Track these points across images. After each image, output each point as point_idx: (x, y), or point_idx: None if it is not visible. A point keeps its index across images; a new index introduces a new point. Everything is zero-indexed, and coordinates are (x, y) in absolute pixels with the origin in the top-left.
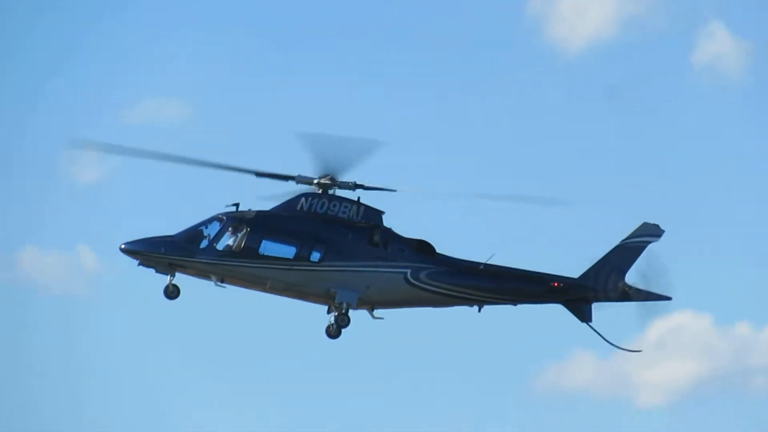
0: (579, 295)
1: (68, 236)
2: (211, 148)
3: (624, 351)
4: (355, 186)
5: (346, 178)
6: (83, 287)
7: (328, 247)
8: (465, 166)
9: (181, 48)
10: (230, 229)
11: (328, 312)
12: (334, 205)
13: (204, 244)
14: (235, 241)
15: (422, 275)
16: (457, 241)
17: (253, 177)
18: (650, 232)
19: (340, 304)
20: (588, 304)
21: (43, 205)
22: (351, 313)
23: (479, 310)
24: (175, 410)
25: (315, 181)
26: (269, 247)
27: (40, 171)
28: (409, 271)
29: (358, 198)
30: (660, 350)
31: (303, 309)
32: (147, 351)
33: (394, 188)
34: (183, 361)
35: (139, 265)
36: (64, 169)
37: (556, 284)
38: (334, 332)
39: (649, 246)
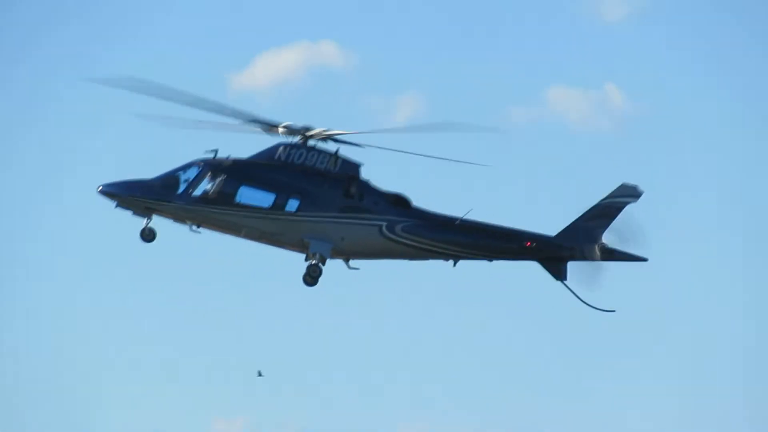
0: (554, 253)
1: None
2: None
3: (598, 311)
4: (329, 137)
5: (324, 129)
6: None
7: (303, 197)
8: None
9: None
10: (207, 175)
11: (306, 260)
12: (312, 156)
13: (181, 189)
14: (211, 187)
15: (397, 228)
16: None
17: (239, 123)
18: (629, 192)
19: (314, 254)
20: (563, 262)
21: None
22: (328, 262)
23: (454, 265)
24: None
25: (294, 131)
26: (245, 195)
27: None
28: (384, 224)
29: (337, 150)
30: None
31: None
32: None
33: (361, 144)
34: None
35: (116, 206)
36: None
37: (528, 243)
38: (309, 281)
39: (628, 206)
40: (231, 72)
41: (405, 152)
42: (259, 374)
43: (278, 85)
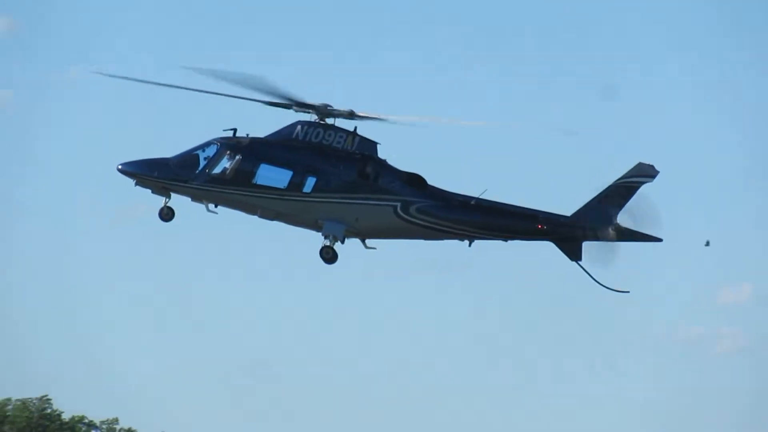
0: (569, 234)
1: None
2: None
3: (612, 291)
4: (351, 115)
5: (343, 106)
6: None
7: (319, 178)
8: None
9: None
10: (224, 155)
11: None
12: (329, 135)
13: (198, 169)
14: (228, 167)
15: (412, 209)
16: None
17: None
18: (645, 172)
19: (327, 236)
20: (578, 242)
21: None
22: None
23: (470, 245)
24: None
25: (313, 109)
26: (262, 176)
27: None
28: (399, 205)
29: (355, 128)
30: None
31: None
32: None
33: (389, 117)
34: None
35: (135, 185)
36: None
37: (540, 226)
38: (325, 260)
39: (643, 186)
40: None
41: (430, 121)
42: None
43: None
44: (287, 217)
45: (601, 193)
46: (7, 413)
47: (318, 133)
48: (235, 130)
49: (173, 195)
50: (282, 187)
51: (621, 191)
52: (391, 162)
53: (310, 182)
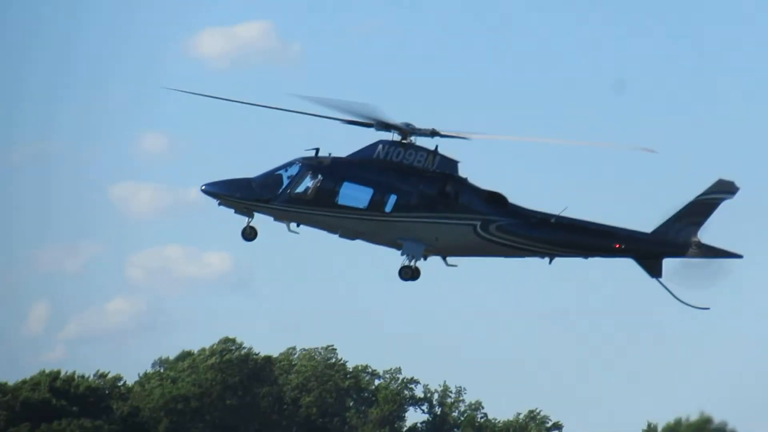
0: (649, 250)
1: None
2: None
3: (692, 308)
4: (433, 133)
5: (424, 125)
6: None
7: (399, 197)
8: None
9: None
10: (306, 175)
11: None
12: (410, 154)
13: (280, 189)
14: (309, 187)
15: (492, 227)
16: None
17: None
18: (725, 189)
19: (407, 255)
20: (659, 259)
21: None
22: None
23: (550, 262)
24: None
25: (394, 128)
26: (343, 196)
27: None
28: (479, 223)
29: (436, 147)
30: None
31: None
32: None
33: (470, 136)
34: None
35: (219, 205)
36: None
37: (618, 246)
38: (404, 278)
39: (723, 203)
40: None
41: (514, 138)
42: None
43: None
44: (367, 236)
45: (680, 210)
46: (293, 362)
47: (399, 153)
48: (317, 149)
49: (256, 214)
50: (363, 206)
51: (701, 208)
52: (471, 180)
53: (391, 201)
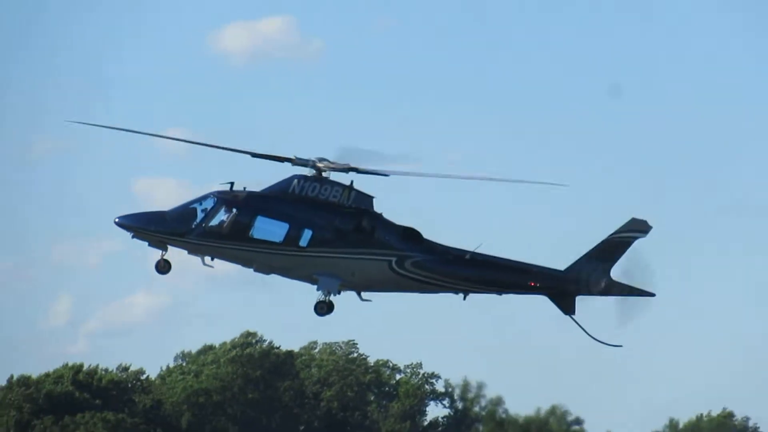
0: (562, 288)
1: None
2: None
3: (605, 345)
4: (349, 169)
5: (341, 160)
6: None
7: (315, 232)
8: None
9: None
10: (220, 209)
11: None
12: (326, 189)
13: (194, 222)
14: (224, 221)
15: (407, 263)
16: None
17: (249, 157)
18: (638, 227)
19: (322, 290)
20: (572, 297)
21: None
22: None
23: (464, 298)
24: None
25: (310, 164)
26: (257, 230)
27: None
28: (394, 259)
29: (351, 182)
30: None
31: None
32: None
33: (387, 173)
34: None
35: (132, 237)
36: None
37: (532, 284)
38: (319, 313)
39: (636, 242)
40: None
41: (433, 176)
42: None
43: None
44: (282, 271)
45: (594, 248)
46: (315, 357)
47: (314, 188)
48: (232, 183)
49: (170, 248)
50: (278, 241)
51: (614, 246)
52: (386, 216)
53: (306, 236)
